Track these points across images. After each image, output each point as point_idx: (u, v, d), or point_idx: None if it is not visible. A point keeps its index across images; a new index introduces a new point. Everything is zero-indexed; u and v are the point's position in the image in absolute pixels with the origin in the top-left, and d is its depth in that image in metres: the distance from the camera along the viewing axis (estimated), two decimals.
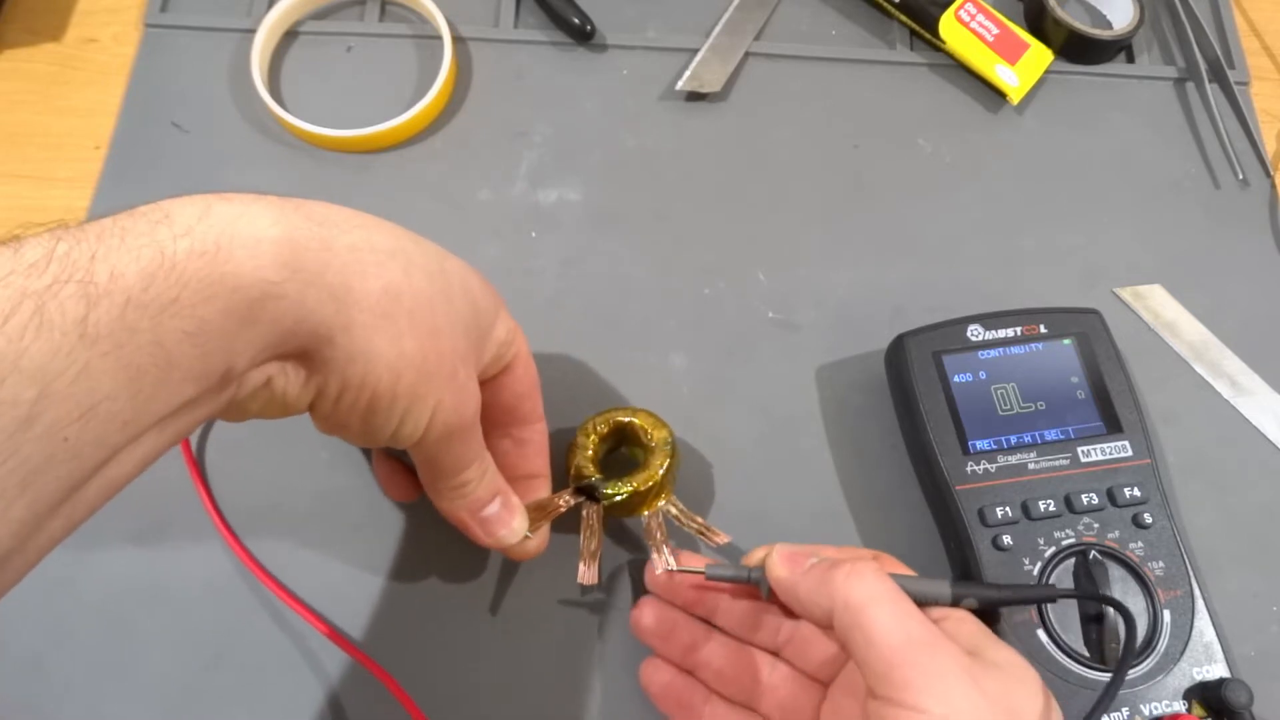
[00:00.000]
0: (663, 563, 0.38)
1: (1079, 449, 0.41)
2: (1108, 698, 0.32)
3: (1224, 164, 0.53)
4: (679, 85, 0.52)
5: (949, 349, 0.43)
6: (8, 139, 0.50)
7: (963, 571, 0.40)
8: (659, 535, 0.39)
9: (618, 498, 0.39)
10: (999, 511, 0.39)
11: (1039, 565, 0.38)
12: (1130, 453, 0.41)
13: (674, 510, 0.40)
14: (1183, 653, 0.38)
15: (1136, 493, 0.40)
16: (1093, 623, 0.37)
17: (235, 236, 0.25)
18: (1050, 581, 0.38)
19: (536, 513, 0.39)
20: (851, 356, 0.47)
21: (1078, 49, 0.54)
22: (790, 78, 0.54)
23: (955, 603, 0.35)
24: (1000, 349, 0.43)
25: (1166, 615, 0.38)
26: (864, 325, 0.47)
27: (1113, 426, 0.41)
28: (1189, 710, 0.37)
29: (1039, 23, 0.55)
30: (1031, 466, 0.40)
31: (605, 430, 0.41)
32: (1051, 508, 0.39)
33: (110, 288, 0.23)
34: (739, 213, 0.50)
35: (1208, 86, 0.54)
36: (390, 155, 0.51)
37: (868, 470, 0.44)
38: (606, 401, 0.44)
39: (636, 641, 0.39)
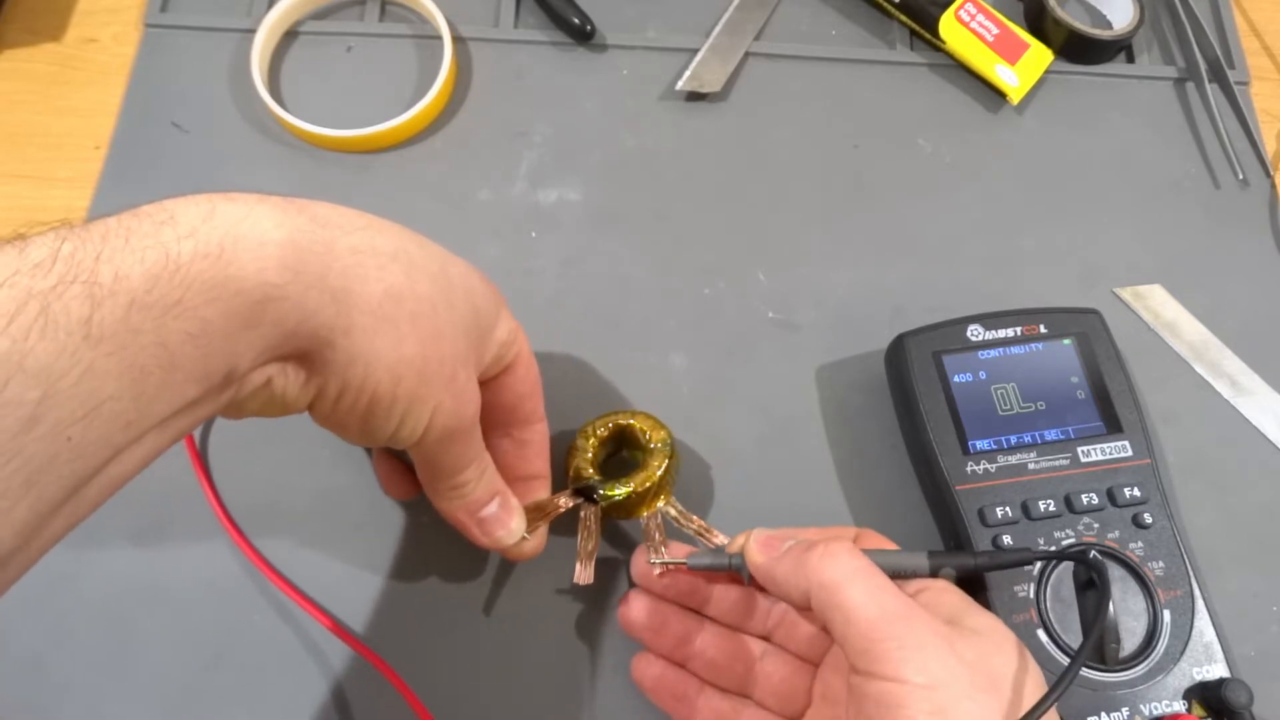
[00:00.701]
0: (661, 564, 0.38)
1: (1079, 449, 0.41)
2: (1082, 653, 0.32)
3: (1224, 164, 0.53)
4: (679, 85, 0.52)
5: (949, 349, 0.43)
6: (8, 139, 0.50)
7: (969, 575, 0.40)
8: (657, 536, 0.39)
9: (616, 499, 0.39)
10: (999, 511, 0.39)
11: (1039, 565, 0.38)
12: (1130, 453, 0.41)
13: (673, 512, 0.40)
14: (1183, 653, 0.38)
15: (1136, 493, 0.40)
16: (1090, 624, 0.37)
17: (239, 239, 0.26)
18: (1050, 582, 0.38)
19: (535, 513, 0.39)
20: (851, 356, 0.47)
21: (1078, 49, 0.54)
22: (790, 78, 0.54)
23: (934, 573, 0.35)
24: (1000, 349, 0.43)
25: (1166, 615, 0.38)
26: (864, 325, 0.47)
27: (1113, 426, 0.41)
28: (1189, 710, 0.37)
29: (1039, 23, 0.55)
30: (1031, 466, 0.40)
31: (605, 433, 0.41)
32: (1051, 508, 0.39)
33: (115, 289, 0.23)
34: (739, 213, 0.50)
35: (1208, 86, 0.54)
36: (390, 155, 0.51)
37: (868, 470, 0.44)
38: (606, 402, 0.45)
39: (633, 639, 0.39)
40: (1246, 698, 0.36)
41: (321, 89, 0.52)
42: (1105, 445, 0.41)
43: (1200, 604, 0.38)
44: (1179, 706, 0.37)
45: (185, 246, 0.25)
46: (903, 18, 0.55)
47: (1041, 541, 0.39)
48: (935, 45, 0.54)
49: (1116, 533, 0.39)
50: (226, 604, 0.40)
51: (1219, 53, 0.54)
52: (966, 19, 0.53)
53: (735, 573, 0.37)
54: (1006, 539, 0.39)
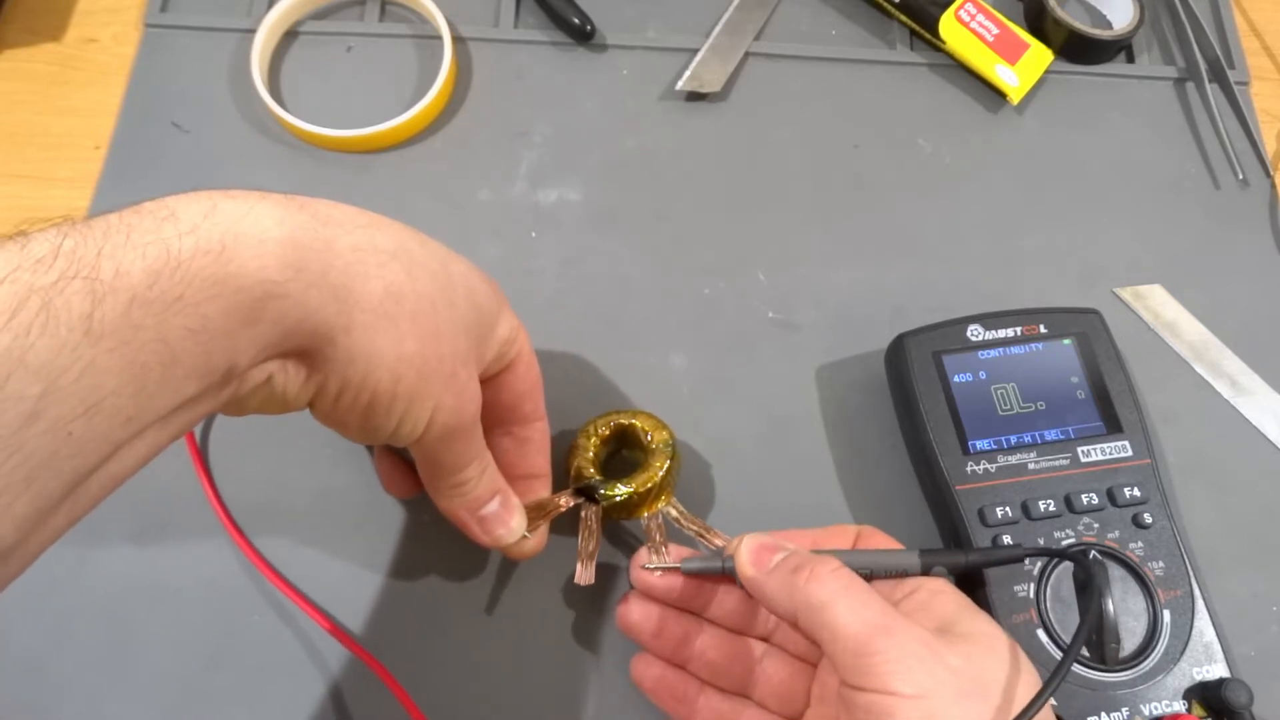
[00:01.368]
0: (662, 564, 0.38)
1: (1079, 449, 0.41)
2: (1074, 646, 0.32)
3: (1224, 164, 0.53)
4: (679, 85, 0.52)
5: (949, 349, 0.43)
6: (8, 139, 0.50)
7: (964, 572, 0.40)
8: (658, 537, 0.39)
9: (617, 499, 0.39)
10: (999, 511, 0.39)
11: (1039, 565, 0.38)
12: (1130, 453, 0.41)
13: (674, 512, 0.40)
14: (1183, 653, 0.38)
15: (1136, 493, 0.40)
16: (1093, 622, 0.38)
17: (240, 236, 0.26)
18: (1050, 582, 0.38)
19: (535, 512, 0.39)
20: (851, 356, 0.47)
21: (1078, 49, 0.54)
22: (790, 78, 0.54)
23: (926, 571, 0.35)
24: (1000, 349, 0.43)
25: (1166, 615, 0.38)
26: (864, 325, 0.47)
27: (1113, 426, 0.41)
28: (1189, 710, 0.37)
29: (1039, 23, 0.55)
30: (1031, 466, 0.40)
31: (606, 432, 0.41)
32: (1051, 508, 0.39)
33: (116, 285, 0.23)
34: (739, 213, 0.50)
35: (1208, 86, 0.54)
36: (390, 155, 0.51)
37: (868, 470, 0.44)
38: (607, 401, 0.45)
39: (633, 641, 0.39)
40: (1246, 698, 0.36)
41: (321, 89, 0.52)
42: (1105, 445, 0.41)
43: (1200, 604, 0.38)
44: (1179, 706, 0.37)
45: (186, 243, 0.25)
46: (903, 18, 0.55)
47: (1041, 542, 0.39)
48: (935, 45, 0.54)
49: (1116, 533, 0.39)
50: (226, 604, 0.40)
51: (1219, 53, 0.54)
52: (966, 19, 0.53)
53: (729, 575, 0.37)
54: (1006, 539, 0.39)
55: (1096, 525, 0.39)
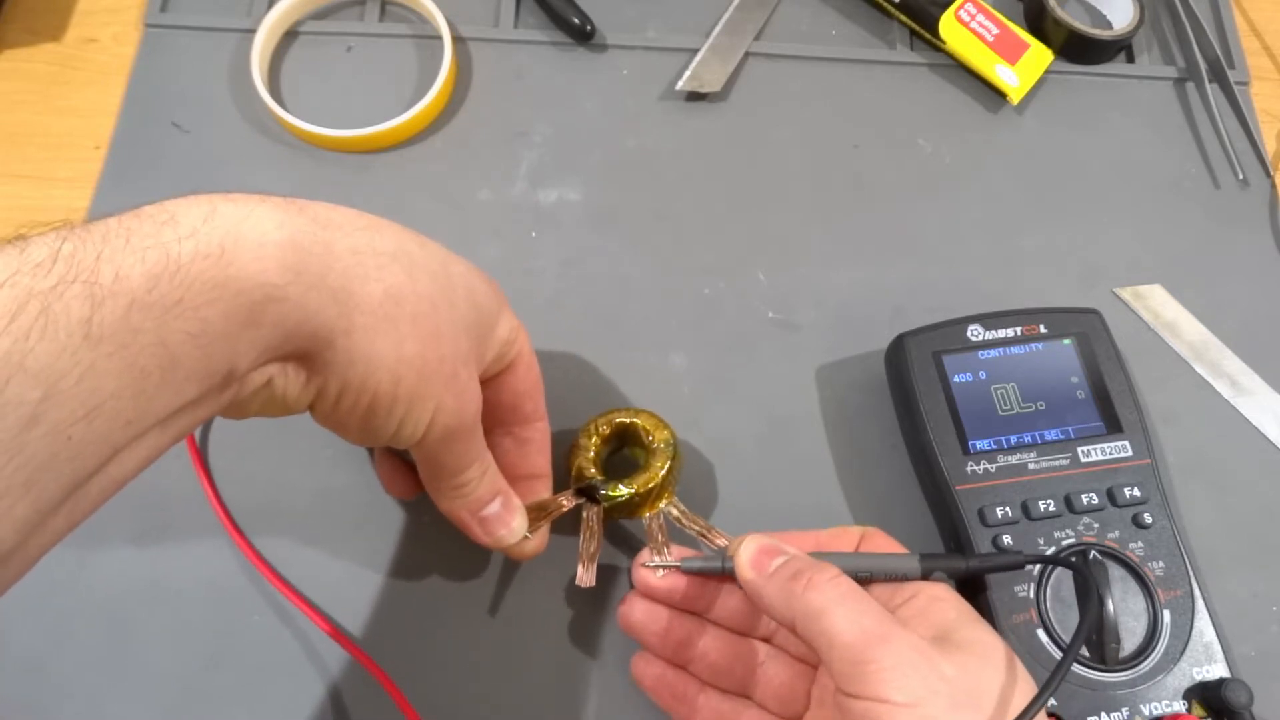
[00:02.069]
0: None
1: (1079, 449, 0.41)
2: (1072, 650, 0.32)
3: (1224, 164, 0.53)
4: (679, 85, 0.52)
5: (949, 349, 0.43)
6: (8, 139, 0.50)
7: (964, 577, 0.40)
8: (660, 537, 0.39)
9: (618, 499, 0.39)
10: (999, 511, 0.39)
11: (1039, 566, 0.38)
12: (1130, 453, 0.41)
13: (675, 512, 0.40)
14: (1183, 653, 0.38)
15: (1136, 493, 0.40)
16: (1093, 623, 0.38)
17: (240, 239, 0.26)
18: (1050, 582, 0.38)
19: (537, 513, 0.39)
20: (851, 356, 0.47)
21: (1078, 49, 0.54)
22: (790, 78, 0.54)
23: (925, 576, 0.35)
24: (1000, 349, 0.43)
25: (1166, 615, 0.38)
26: (864, 325, 0.47)
27: (1113, 426, 0.41)
28: (1189, 710, 0.37)
29: (1039, 23, 0.55)
30: (1031, 466, 0.40)
31: (607, 431, 0.41)
32: (1051, 508, 0.39)
33: (115, 289, 0.23)
34: (739, 213, 0.50)
35: (1208, 86, 0.54)
36: (390, 155, 0.51)
37: (868, 470, 0.44)
38: (607, 401, 0.44)
39: (635, 641, 0.39)
40: (1246, 698, 0.36)
41: (321, 89, 0.52)
42: (1105, 445, 0.41)
43: (1200, 604, 0.38)
44: (1179, 706, 0.37)
45: (186, 247, 0.25)
46: (903, 18, 0.55)
47: (1041, 542, 0.39)
48: (935, 45, 0.54)
49: (1116, 533, 0.39)
50: (226, 604, 0.40)
51: (1219, 53, 0.54)
52: (966, 19, 0.53)
53: (730, 575, 0.36)
54: (1006, 539, 0.39)
55: (1096, 525, 0.39)
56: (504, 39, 0.54)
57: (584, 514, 0.39)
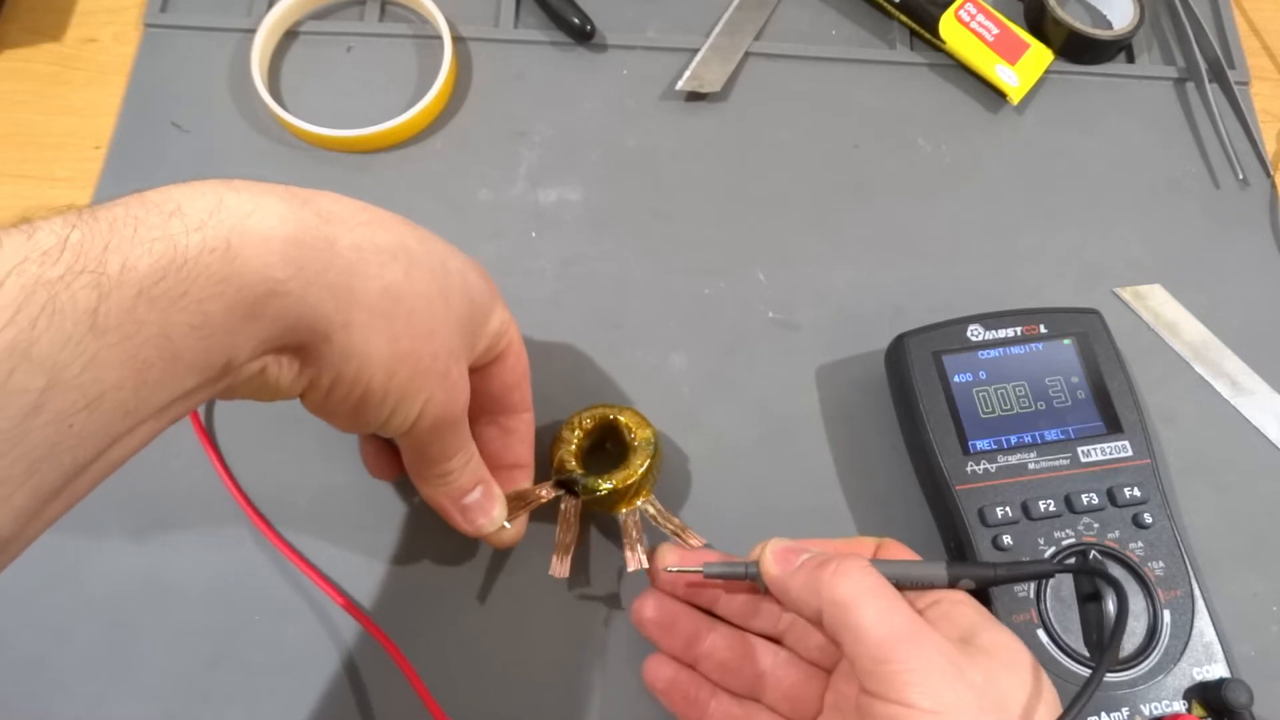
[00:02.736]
0: (635, 561, 0.38)
1: (1079, 449, 0.41)
2: (1100, 670, 0.32)
3: (1224, 164, 0.53)
4: (679, 85, 0.52)
5: (949, 349, 0.43)
6: (8, 139, 0.50)
7: (990, 586, 0.40)
8: (634, 534, 0.39)
9: (596, 493, 0.39)
10: (999, 511, 0.39)
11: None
12: (1130, 453, 0.41)
13: (651, 510, 0.40)
14: (1183, 653, 0.38)
15: (1136, 493, 0.40)
16: (1093, 623, 0.37)
17: (246, 233, 0.26)
18: (1050, 582, 0.38)
19: (516, 502, 0.39)
20: (851, 356, 0.47)
21: (1078, 49, 0.54)
22: (790, 78, 0.54)
23: (952, 584, 0.35)
24: (1000, 349, 0.43)
25: (1166, 615, 0.38)
26: (864, 325, 0.47)
27: (1113, 426, 0.41)
28: (1189, 710, 0.37)
29: (1039, 23, 0.55)
30: (1031, 466, 0.40)
31: (590, 425, 0.41)
32: (1051, 508, 0.39)
33: (122, 280, 0.23)
34: (739, 213, 0.50)
35: (1208, 86, 0.54)
36: (390, 155, 0.51)
37: (868, 470, 0.44)
38: (606, 401, 0.44)
39: (640, 635, 0.39)
40: (1246, 698, 0.36)
41: (321, 89, 0.52)
42: (1105, 445, 0.41)
43: (1200, 604, 0.38)
44: (1179, 706, 0.37)
45: (193, 240, 0.25)
46: (903, 18, 0.55)
47: (1041, 542, 0.39)
48: (935, 45, 0.54)
49: (1116, 533, 0.39)
50: (227, 603, 0.40)
51: (1219, 53, 0.54)
52: (966, 19, 0.53)
53: (752, 582, 0.36)
54: (1007, 539, 0.39)
55: (1096, 525, 0.39)
56: (504, 39, 0.54)
57: (562, 506, 0.40)
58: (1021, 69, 0.53)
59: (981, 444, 0.41)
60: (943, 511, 0.41)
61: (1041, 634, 0.37)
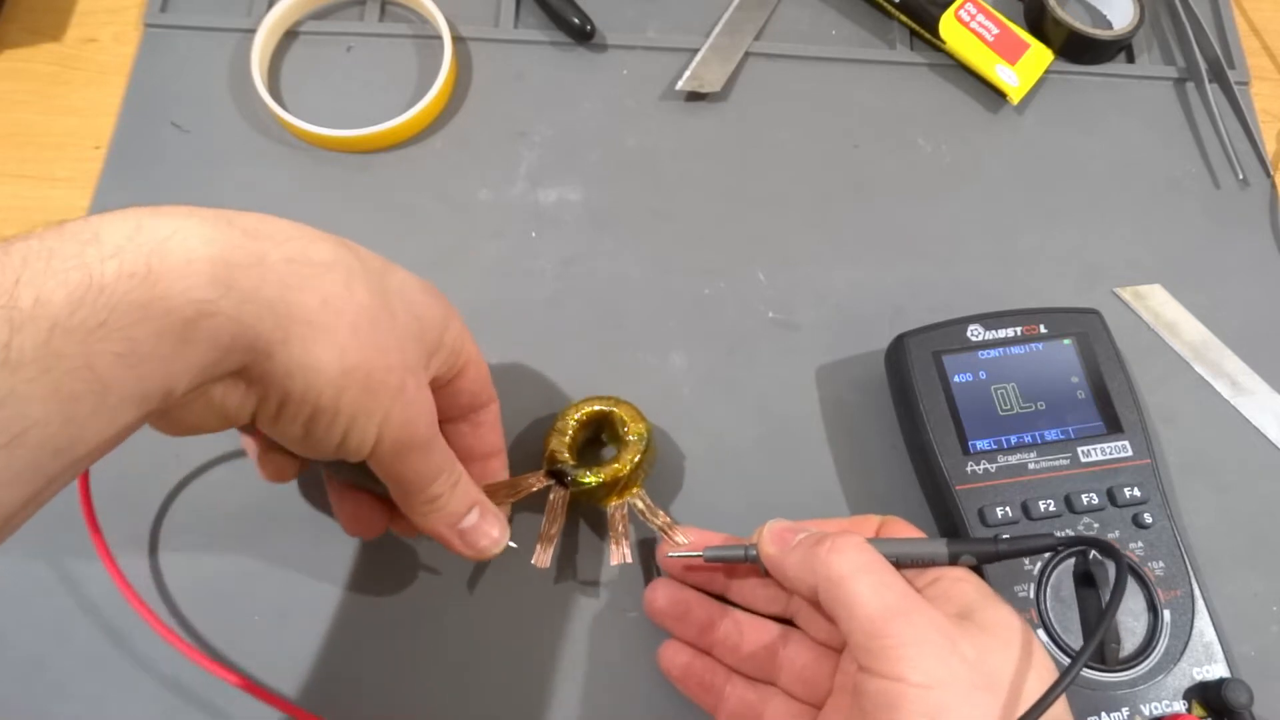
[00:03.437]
0: (619, 555, 0.38)
1: (1079, 449, 0.41)
2: (1099, 629, 0.31)
3: (1224, 164, 0.53)
4: (679, 85, 0.52)
5: (949, 349, 0.43)
6: (8, 139, 0.50)
7: (991, 562, 0.39)
8: (620, 528, 0.39)
9: (585, 485, 0.39)
10: (999, 511, 0.39)
11: (1039, 565, 0.38)
12: (1130, 453, 0.41)
13: (640, 505, 0.40)
14: (1183, 653, 0.38)
15: (1136, 493, 0.40)
16: (1093, 623, 0.37)
17: (167, 256, 0.25)
18: (1050, 582, 0.38)
19: (506, 490, 0.39)
20: (851, 356, 0.47)
21: (1078, 49, 0.54)
22: (790, 78, 0.54)
23: (953, 560, 0.35)
24: (1000, 349, 0.43)
25: (1166, 615, 0.38)
26: (864, 325, 0.47)
27: (1113, 426, 0.41)
28: (1189, 710, 0.37)
29: (1039, 23, 0.55)
30: (1031, 466, 0.40)
31: (585, 417, 0.41)
32: (1051, 508, 0.39)
33: (35, 313, 0.23)
34: (739, 213, 0.50)
35: (1208, 86, 0.54)
36: (390, 155, 0.51)
37: (868, 470, 0.44)
38: None
39: (631, 629, 0.39)
40: (1246, 698, 0.36)
41: (321, 89, 0.52)
42: (1105, 445, 0.41)
43: (1200, 604, 0.38)
44: (1179, 706, 0.37)
45: (109, 267, 0.24)
46: (903, 18, 0.55)
47: None
48: (935, 45, 0.54)
49: (1116, 533, 0.39)
50: (227, 602, 0.40)
51: (1219, 53, 0.54)
52: (966, 19, 0.53)
53: (752, 564, 0.37)
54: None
55: (1096, 525, 0.39)
56: (504, 39, 0.54)
57: (551, 496, 0.40)
58: (1021, 69, 0.53)
59: (981, 444, 0.41)
60: (943, 512, 0.41)
61: (1041, 633, 0.37)
